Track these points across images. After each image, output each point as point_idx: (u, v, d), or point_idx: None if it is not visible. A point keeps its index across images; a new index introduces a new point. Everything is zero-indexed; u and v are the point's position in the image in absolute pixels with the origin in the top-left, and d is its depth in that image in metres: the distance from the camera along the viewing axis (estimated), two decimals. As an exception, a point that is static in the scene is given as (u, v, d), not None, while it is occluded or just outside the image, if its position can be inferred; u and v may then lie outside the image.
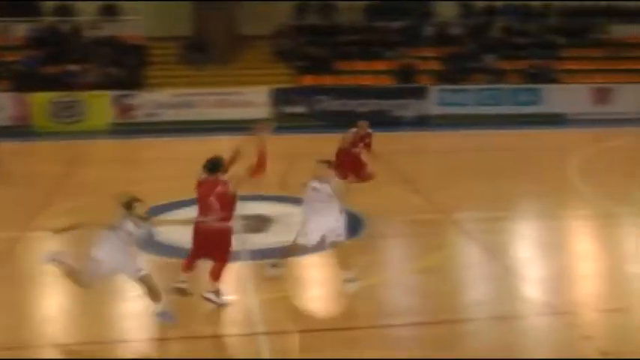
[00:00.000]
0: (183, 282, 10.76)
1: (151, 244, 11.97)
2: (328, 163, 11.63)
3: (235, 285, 11.32)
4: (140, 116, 27.36)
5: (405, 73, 28.98)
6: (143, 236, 10.00)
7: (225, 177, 10.70)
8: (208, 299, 10.57)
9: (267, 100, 27.67)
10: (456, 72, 29.34)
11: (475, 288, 11.96)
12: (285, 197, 14.17)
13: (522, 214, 16.59)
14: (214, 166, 10.66)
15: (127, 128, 26.69)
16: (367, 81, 28.93)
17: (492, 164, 21.08)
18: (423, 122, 27.83)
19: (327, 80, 28.94)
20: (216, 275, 10.64)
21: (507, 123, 27.19)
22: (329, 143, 16.33)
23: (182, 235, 11.60)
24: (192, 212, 11.32)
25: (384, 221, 15.14)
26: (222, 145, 14.60)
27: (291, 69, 29.40)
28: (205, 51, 29.25)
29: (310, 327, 10.35)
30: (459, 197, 16.93)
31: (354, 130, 16.27)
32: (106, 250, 9.65)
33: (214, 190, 10.53)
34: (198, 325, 10.29)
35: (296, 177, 11.58)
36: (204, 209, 10.57)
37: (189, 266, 10.86)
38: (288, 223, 13.61)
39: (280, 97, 27.81)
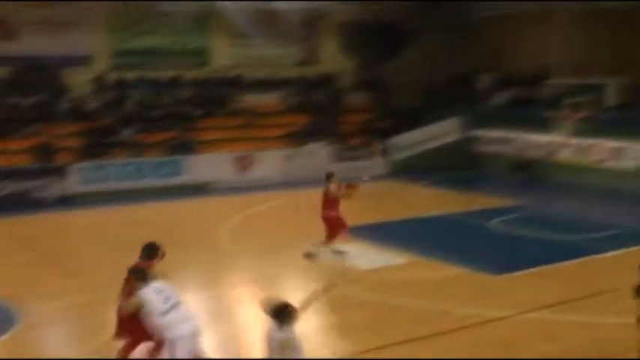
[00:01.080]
0: None
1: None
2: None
3: None
4: None
5: (43, 152, 27.39)
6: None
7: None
8: None
9: None
10: (95, 147, 28.37)
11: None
12: None
13: (180, 285, 15.99)
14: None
15: None
16: (2, 162, 26.79)
17: (141, 238, 20.29)
18: (65, 202, 26.38)
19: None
20: None
21: (152, 196, 26.85)
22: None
23: None
24: None
25: (39, 309, 13.81)
26: None
27: None
28: None
29: None
30: (112, 275, 16.05)
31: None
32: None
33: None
34: None
35: None
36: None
37: None
38: None
39: None
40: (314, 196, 27.25)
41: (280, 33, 34.84)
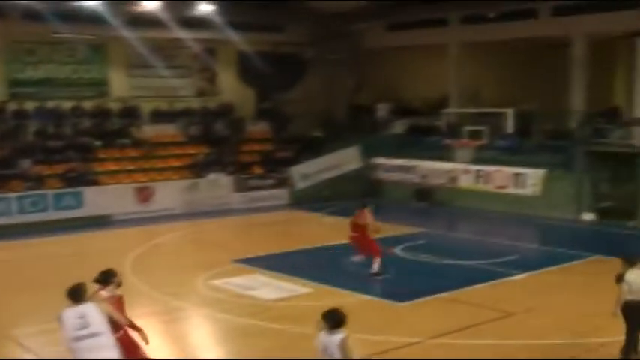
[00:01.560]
0: None
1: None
2: None
3: None
4: None
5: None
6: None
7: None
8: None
9: None
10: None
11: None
12: None
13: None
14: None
15: None
16: None
17: (40, 273, 19.78)
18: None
19: None
20: None
21: (53, 229, 26.06)
22: None
23: None
24: None
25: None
26: None
27: None
28: None
29: None
30: (12, 312, 15.50)
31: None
32: None
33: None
34: None
35: None
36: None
37: None
38: None
39: None
40: (216, 226, 27.33)
41: (179, 63, 34.54)
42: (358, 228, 19.09)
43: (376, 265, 18.76)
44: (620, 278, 11.77)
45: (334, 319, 9.10)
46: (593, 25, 29.02)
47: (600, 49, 30.84)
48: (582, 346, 13.22)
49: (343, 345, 8.92)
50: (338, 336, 8.98)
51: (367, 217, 19.12)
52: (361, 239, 19.04)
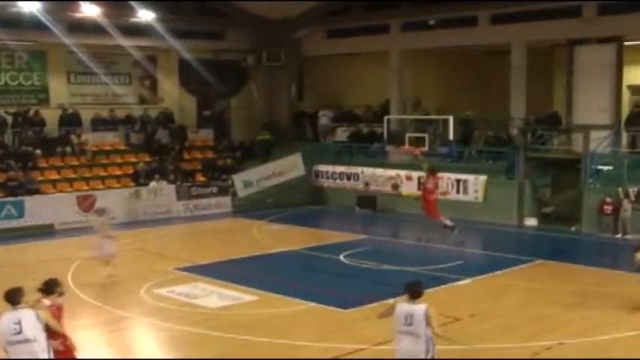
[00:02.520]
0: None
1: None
2: None
3: None
4: None
5: None
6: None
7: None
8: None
9: None
10: None
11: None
12: None
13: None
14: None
15: None
16: None
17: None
18: None
19: None
20: None
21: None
22: None
23: None
24: None
25: None
26: None
27: None
28: None
29: None
30: None
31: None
32: None
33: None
34: None
35: None
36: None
37: None
38: None
39: None
40: (158, 234, 27.02)
41: (120, 70, 34.19)
42: (428, 192, 23.02)
43: (448, 222, 22.92)
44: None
45: (416, 291, 10.43)
46: (532, 33, 29.43)
47: (539, 57, 31.30)
48: (528, 349, 13.36)
49: (429, 313, 10.19)
50: (422, 305, 10.26)
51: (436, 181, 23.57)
52: (432, 203, 22.87)
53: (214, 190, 31.95)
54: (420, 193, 24.72)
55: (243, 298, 17.28)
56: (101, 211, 22.09)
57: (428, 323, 10.13)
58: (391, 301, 11.22)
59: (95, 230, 20.26)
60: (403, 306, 10.32)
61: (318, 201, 33.53)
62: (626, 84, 30.01)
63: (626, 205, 24.90)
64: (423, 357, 10.19)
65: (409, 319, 10.17)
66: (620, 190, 25.31)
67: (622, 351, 13.43)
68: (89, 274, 20.19)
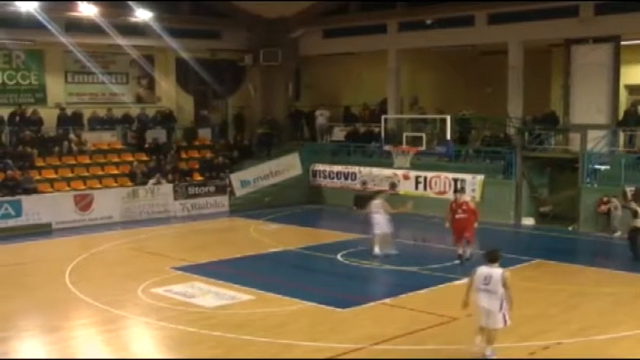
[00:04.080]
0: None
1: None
2: None
3: None
4: None
5: None
6: None
7: None
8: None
9: None
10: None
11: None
12: None
13: (25, 332, 15.15)
14: None
15: None
16: None
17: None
18: None
19: None
20: None
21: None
22: None
23: None
24: None
25: None
26: None
27: None
28: None
29: None
30: None
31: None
32: None
33: None
34: None
35: None
36: None
37: None
38: None
39: None
40: (155, 233, 27.00)
41: (117, 70, 34.18)
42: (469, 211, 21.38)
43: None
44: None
45: (495, 256, 12.67)
46: (529, 33, 29.48)
47: (537, 56, 31.33)
48: (526, 349, 13.36)
49: (506, 276, 12.35)
50: (500, 269, 12.45)
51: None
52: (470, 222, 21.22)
53: (212, 189, 31.91)
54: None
55: (240, 298, 17.25)
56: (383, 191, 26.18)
57: (504, 284, 12.19)
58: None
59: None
60: (483, 269, 12.53)
61: (315, 200, 33.53)
62: (624, 83, 30.01)
63: (617, 203, 24.86)
64: (497, 311, 12.20)
65: (487, 279, 12.32)
66: (621, 190, 25.18)
67: (619, 350, 13.43)
68: (86, 273, 20.23)
